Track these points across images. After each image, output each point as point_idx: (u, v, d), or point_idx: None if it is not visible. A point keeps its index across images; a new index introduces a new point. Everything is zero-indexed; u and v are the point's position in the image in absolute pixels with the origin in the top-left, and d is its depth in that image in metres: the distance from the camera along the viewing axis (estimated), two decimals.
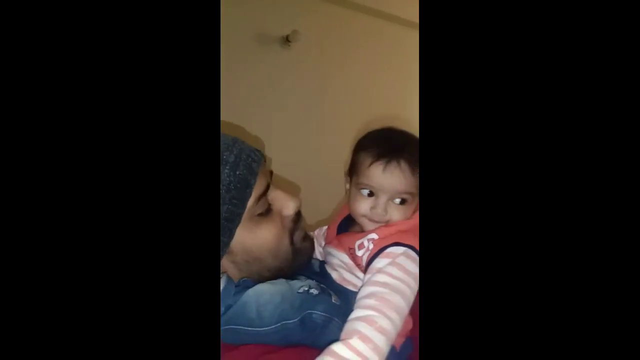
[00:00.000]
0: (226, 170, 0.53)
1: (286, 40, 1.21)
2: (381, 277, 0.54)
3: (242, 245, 0.56)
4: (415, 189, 0.60)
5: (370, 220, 0.61)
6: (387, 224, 0.61)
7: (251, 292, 0.54)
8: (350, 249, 0.61)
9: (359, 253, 0.59)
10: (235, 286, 0.55)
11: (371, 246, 0.58)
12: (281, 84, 1.26)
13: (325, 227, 0.77)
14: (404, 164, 0.59)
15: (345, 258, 0.62)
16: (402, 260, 0.56)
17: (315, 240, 0.79)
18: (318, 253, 0.77)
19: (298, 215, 0.62)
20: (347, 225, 0.68)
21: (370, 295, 0.52)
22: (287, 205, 0.60)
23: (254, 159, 0.56)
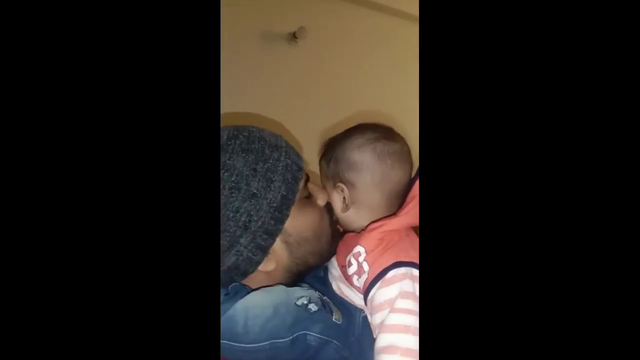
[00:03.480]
0: (283, 154, 0.59)
1: (293, 37, 1.21)
2: (396, 319, 0.50)
3: (294, 225, 0.59)
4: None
5: None
6: (367, 228, 0.58)
7: (240, 304, 0.52)
8: (342, 266, 0.59)
9: (350, 271, 0.56)
10: (225, 294, 0.53)
11: (365, 267, 0.54)
12: (288, 80, 1.26)
13: None
14: None
15: (340, 271, 0.60)
16: (408, 286, 0.51)
17: None
18: None
19: (329, 204, 0.66)
20: None
21: (392, 349, 0.48)
22: (320, 197, 0.64)
23: (298, 152, 0.63)
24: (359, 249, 0.55)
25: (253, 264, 0.57)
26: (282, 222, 0.57)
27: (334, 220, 0.65)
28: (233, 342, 0.50)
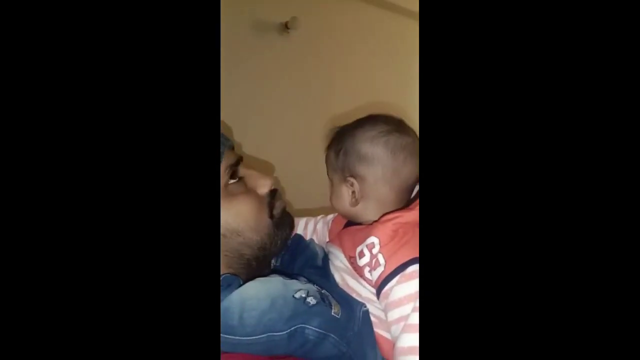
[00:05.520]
0: None
1: (285, 27, 1.18)
2: (418, 318, 0.47)
3: None
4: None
5: None
6: (381, 220, 0.57)
7: (236, 295, 0.50)
8: (351, 257, 0.57)
9: (361, 262, 0.54)
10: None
11: (381, 259, 0.52)
12: (279, 71, 1.23)
13: (331, 216, 0.74)
14: None
15: (347, 262, 0.59)
16: None
17: (313, 227, 0.76)
18: (319, 241, 0.73)
19: (274, 192, 0.61)
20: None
21: (415, 350, 0.47)
22: (260, 184, 0.59)
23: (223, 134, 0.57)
24: (373, 239, 0.53)
25: None
26: None
27: (276, 211, 0.60)
28: (227, 334, 0.47)
